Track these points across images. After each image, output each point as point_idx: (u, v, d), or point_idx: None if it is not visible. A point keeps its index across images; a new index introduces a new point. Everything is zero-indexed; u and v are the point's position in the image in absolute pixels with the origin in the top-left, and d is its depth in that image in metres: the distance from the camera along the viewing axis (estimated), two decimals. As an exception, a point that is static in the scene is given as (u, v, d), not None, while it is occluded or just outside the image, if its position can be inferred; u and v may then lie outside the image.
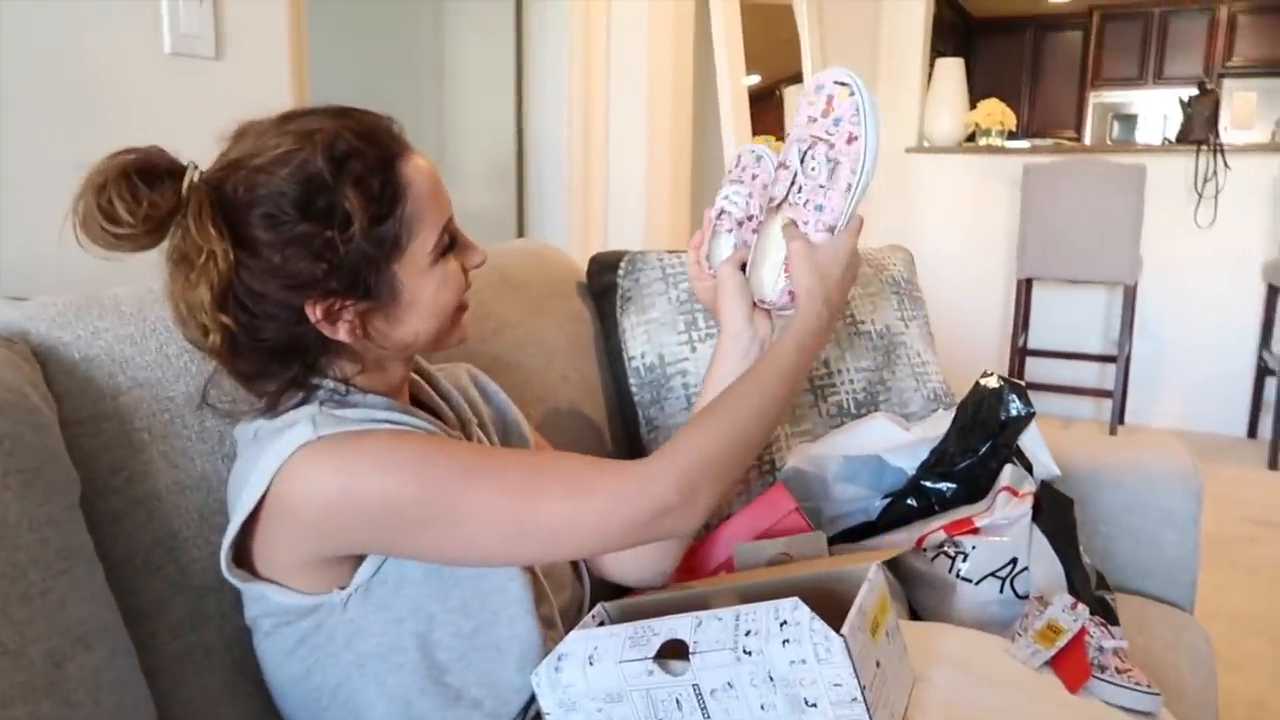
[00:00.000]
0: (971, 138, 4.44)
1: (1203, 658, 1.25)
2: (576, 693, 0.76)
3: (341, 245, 0.74)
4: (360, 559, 0.81)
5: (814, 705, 0.69)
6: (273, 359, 0.79)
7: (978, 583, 1.11)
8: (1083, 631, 0.91)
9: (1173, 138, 4.24)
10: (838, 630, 0.68)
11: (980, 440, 1.22)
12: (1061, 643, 0.90)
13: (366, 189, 0.75)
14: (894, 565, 1.19)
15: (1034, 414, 1.23)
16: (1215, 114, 4.05)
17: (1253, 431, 4.03)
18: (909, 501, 1.22)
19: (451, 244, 0.83)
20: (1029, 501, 1.13)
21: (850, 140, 0.98)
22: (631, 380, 1.38)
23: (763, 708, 0.70)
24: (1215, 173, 3.89)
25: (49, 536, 0.71)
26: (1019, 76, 7.78)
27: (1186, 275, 4.06)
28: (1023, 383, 1.25)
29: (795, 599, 0.70)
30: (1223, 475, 3.51)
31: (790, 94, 4.02)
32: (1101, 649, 0.90)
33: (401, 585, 0.82)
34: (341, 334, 0.78)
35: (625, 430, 1.42)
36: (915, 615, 1.19)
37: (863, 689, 0.68)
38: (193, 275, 0.73)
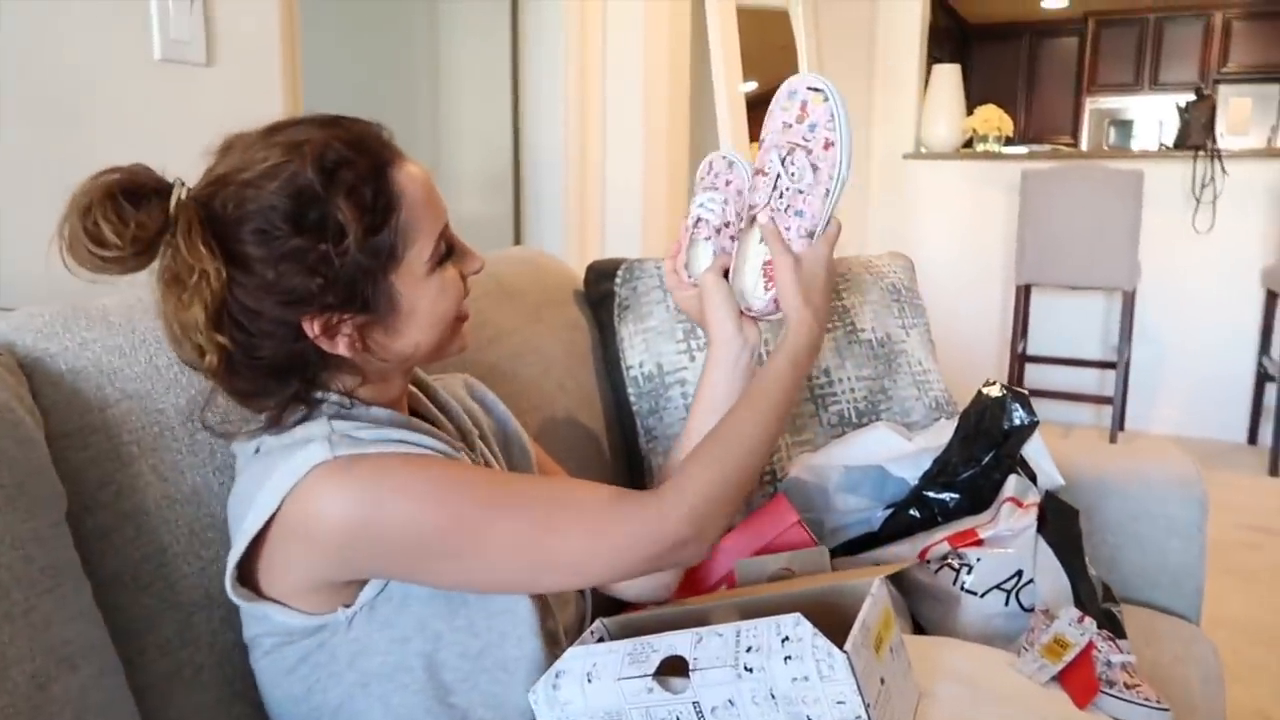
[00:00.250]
0: (969, 144, 4.44)
1: (1211, 670, 1.24)
2: (574, 710, 0.75)
3: (336, 258, 0.73)
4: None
5: (818, 725, 0.67)
6: (271, 376, 0.77)
7: (983, 595, 1.09)
8: (1090, 646, 0.89)
9: (1169, 143, 4.23)
10: (841, 646, 0.67)
11: (983, 450, 1.20)
12: (1069, 657, 0.88)
13: (359, 199, 0.74)
14: (897, 578, 1.17)
15: (1037, 423, 1.21)
16: (1212, 119, 4.05)
17: (1253, 438, 4.02)
18: (911, 512, 1.20)
19: (449, 251, 0.82)
20: (1033, 512, 1.12)
21: (827, 146, 0.98)
22: (630, 389, 1.36)
23: (766, 727, 0.68)
24: (1213, 178, 3.89)
25: (33, 554, 0.69)
26: (1015, 83, 7.80)
27: (1185, 281, 4.06)
28: (1026, 391, 1.23)
29: (797, 615, 0.68)
30: (1223, 482, 3.50)
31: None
32: (1110, 664, 0.88)
33: (407, 603, 0.80)
34: (341, 348, 0.77)
35: (624, 440, 1.40)
36: (919, 628, 1.17)
37: (867, 707, 0.66)
38: (185, 295, 0.71)
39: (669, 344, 1.35)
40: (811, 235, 0.99)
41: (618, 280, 1.42)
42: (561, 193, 2.29)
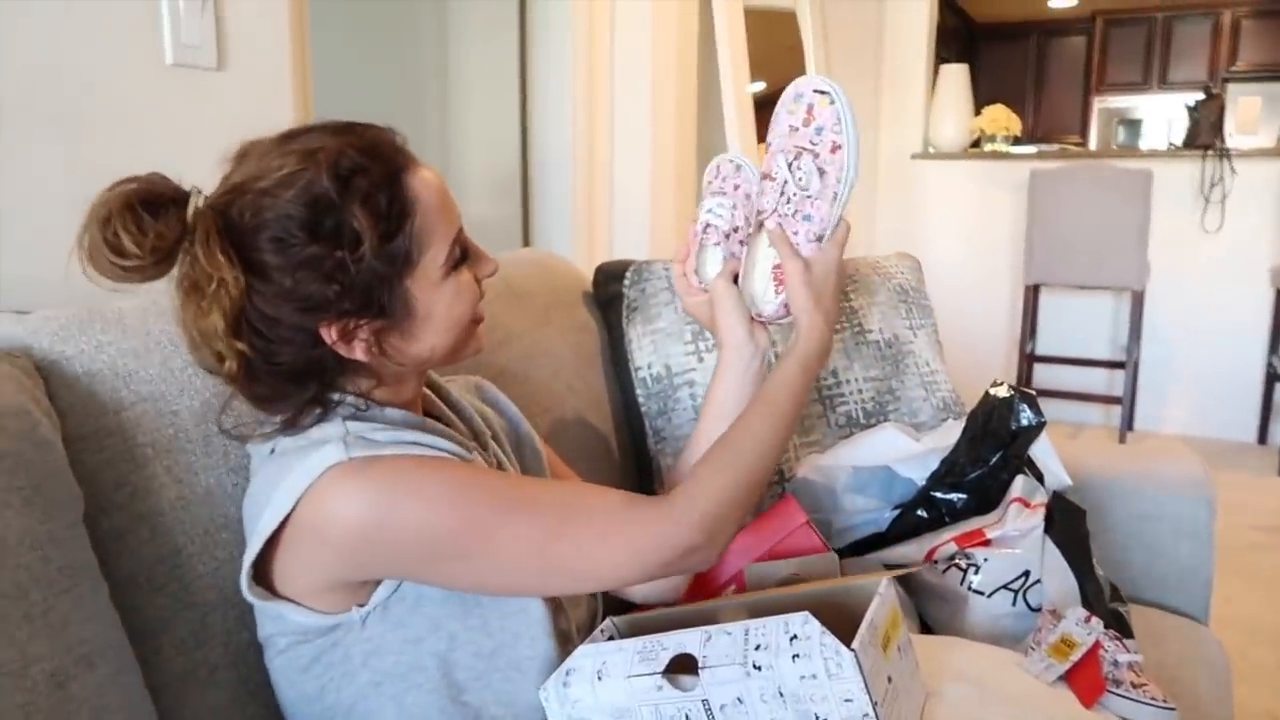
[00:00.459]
0: (977, 144, 4.43)
1: (1218, 670, 1.24)
2: (585, 708, 0.75)
3: (352, 265, 0.73)
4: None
5: (826, 722, 0.68)
6: (290, 381, 0.77)
7: (990, 595, 1.10)
8: (1097, 645, 0.90)
9: (1178, 142, 4.22)
10: (848, 645, 0.67)
11: (991, 450, 1.21)
12: (1075, 657, 0.88)
13: (374, 206, 0.74)
14: (905, 578, 1.18)
15: (1045, 423, 1.22)
16: (1221, 119, 4.04)
17: (1263, 438, 4.01)
18: (919, 513, 1.21)
19: (463, 255, 0.82)
20: (1041, 513, 1.12)
21: (834, 149, 0.98)
22: (638, 391, 1.37)
23: (774, 725, 0.69)
24: (1222, 178, 3.88)
25: (51, 555, 0.70)
26: (1023, 82, 7.78)
27: (1195, 280, 4.05)
28: (1033, 391, 1.24)
29: (805, 613, 0.69)
30: (1232, 482, 3.49)
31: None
32: (1116, 663, 0.88)
33: (420, 604, 0.81)
34: (358, 353, 0.77)
35: (632, 441, 1.40)
36: (926, 628, 1.18)
37: (874, 705, 0.67)
38: (204, 303, 0.72)
39: (677, 345, 1.36)
40: (820, 239, 0.99)
41: (626, 282, 1.42)
42: (569, 194, 2.29)
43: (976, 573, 1.10)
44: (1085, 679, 0.87)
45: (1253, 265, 3.94)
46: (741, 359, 1.04)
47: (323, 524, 0.73)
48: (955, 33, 7.01)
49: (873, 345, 1.43)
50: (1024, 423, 1.22)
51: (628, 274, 1.43)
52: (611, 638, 0.84)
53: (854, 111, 0.98)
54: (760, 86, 3.38)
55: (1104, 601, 1.13)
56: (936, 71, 4.45)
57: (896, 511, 1.23)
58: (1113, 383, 4.11)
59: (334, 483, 0.73)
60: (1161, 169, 3.74)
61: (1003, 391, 1.25)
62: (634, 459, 1.40)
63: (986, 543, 1.11)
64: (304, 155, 0.74)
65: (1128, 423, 3.89)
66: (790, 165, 1.00)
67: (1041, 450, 1.23)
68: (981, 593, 1.10)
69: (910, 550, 1.17)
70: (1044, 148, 4.85)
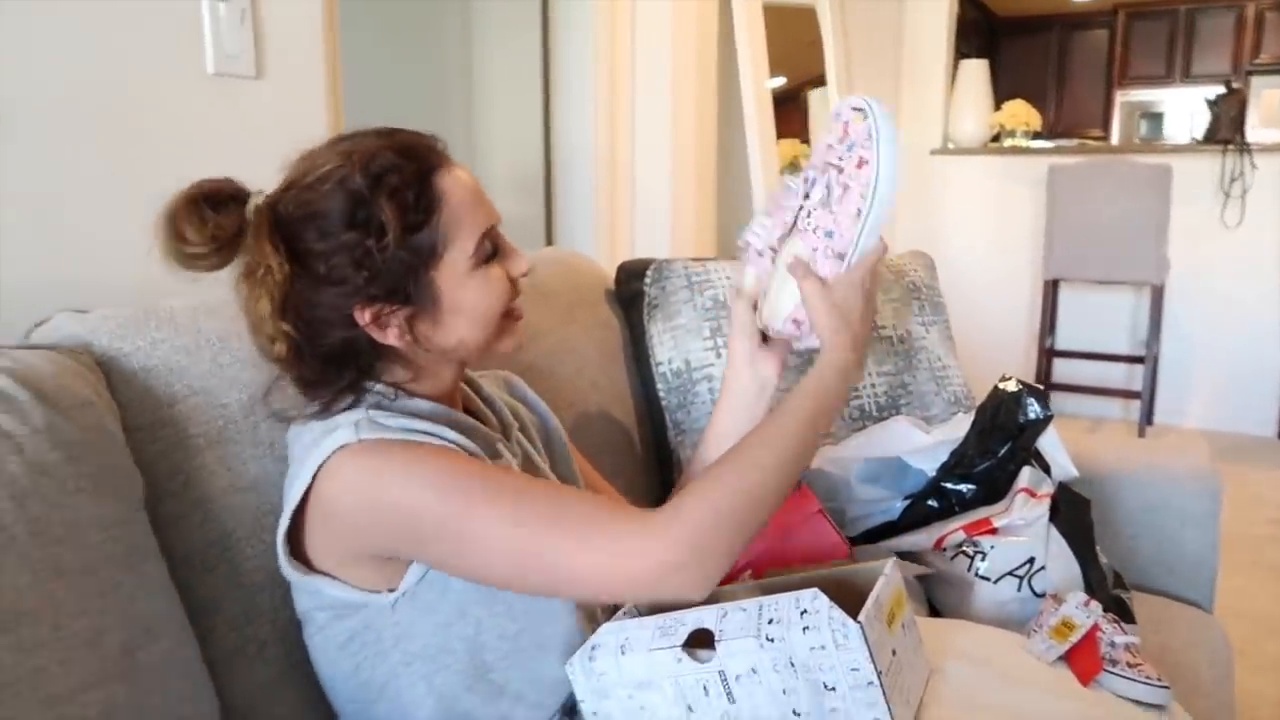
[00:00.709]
0: (997, 139, 4.45)
1: (1220, 654, 1.28)
2: (609, 681, 0.81)
3: (379, 253, 0.80)
4: (409, 561, 0.85)
5: (833, 689, 0.73)
6: (330, 364, 0.84)
7: (996, 581, 1.14)
8: (1095, 627, 0.94)
9: (1200, 137, 4.22)
10: (855, 619, 0.72)
11: (999, 443, 1.25)
12: (1075, 638, 0.93)
13: (401, 200, 0.80)
14: (915, 565, 1.22)
15: (1052, 417, 1.26)
16: (1241, 113, 4.03)
17: (1282, 432, 4.02)
18: (930, 502, 1.25)
19: (494, 252, 0.87)
20: (1046, 502, 1.17)
21: (860, 165, 0.95)
22: (659, 385, 1.42)
23: (785, 692, 0.74)
24: (1242, 172, 3.88)
25: (118, 535, 0.76)
26: (1045, 76, 7.75)
27: (1214, 275, 4.05)
28: (1041, 386, 1.28)
29: (815, 589, 0.74)
30: (1251, 477, 3.50)
31: (814, 98, 4.04)
32: (1113, 644, 0.93)
33: (448, 590, 0.85)
34: (391, 338, 0.83)
35: (654, 433, 1.46)
36: (935, 614, 1.22)
37: (879, 674, 0.72)
38: (256, 289, 0.79)
39: (696, 341, 1.41)
40: (842, 257, 0.95)
41: (647, 280, 1.48)
42: (591, 193, 2.34)
43: (983, 559, 1.15)
44: (1083, 658, 0.91)
45: (1273, 260, 3.95)
46: (738, 382, 1.06)
47: (327, 500, 0.80)
48: (976, 26, 6.99)
49: (885, 341, 1.47)
50: (1032, 416, 1.26)
51: (648, 272, 1.48)
52: (633, 616, 0.89)
53: (892, 128, 0.94)
54: (780, 82, 3.42)
55: (1107, 588, 1.18)
56: (956, 67, 4.46)
57: (908, 501, 1.27)
58: (1132, 377, 4.13)
59: (339, 462, 0.79)
60: (1181, 164, 3.75)
61: (1011, 386, 1.29)
62: (655, 451, 1.46)
63: (993, 531, 1.15)
64: (344, 154, 0.81)
65: (1147, 417, 3.91)
66: (814, 180, 0.99)
67: (1049, 443, 1.27)
68: (988, 579, 1.14)
69: (920, 539, 1.21)
70: (1063, 143, 4.86)
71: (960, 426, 1.30)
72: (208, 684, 0.81)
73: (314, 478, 0.80)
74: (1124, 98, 7.56)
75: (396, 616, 0.85)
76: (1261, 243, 3.94)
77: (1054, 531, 1.16)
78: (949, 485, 1.25)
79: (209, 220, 0.78)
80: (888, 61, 4.38)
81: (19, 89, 1.03)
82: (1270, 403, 4.03)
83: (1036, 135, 4.45)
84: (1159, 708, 0.89)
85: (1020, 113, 4.34)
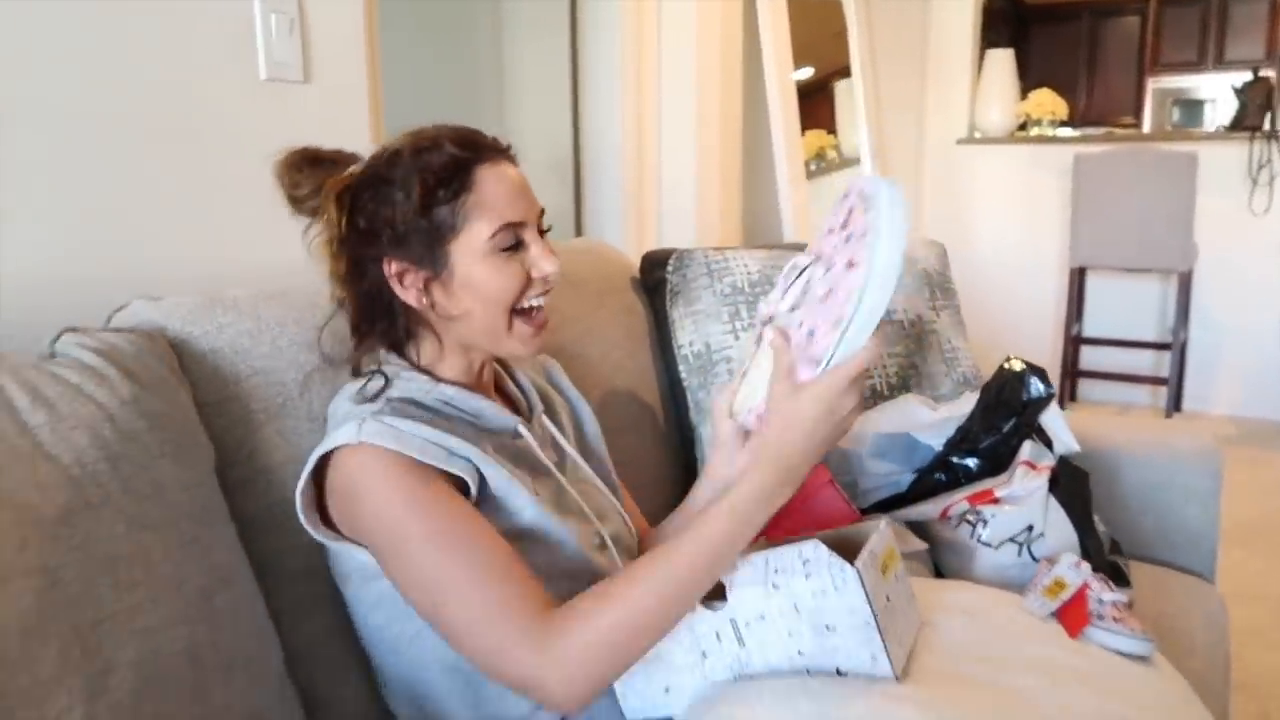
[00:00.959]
0: (1024, 128, 4.47)
1: (1215, 619, 1.34)
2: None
3: (401, 217, 0.91)
4: None
5: (833, 629, 0.81)
6: (367, 307, 0.96)
7: (997, 547, 1.21)
8: (1085, 586, 1.01)
9: (1226, 124, 4.22)
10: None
11: (1003, 419, 1.32)
12: (1066, 595, 1.00)
13: (432, 176, 0.91)
14: (921, 532, 1.30)
15: (1054, 394, 1.33)
16: (1269, 100, 4.03)
17: (1311, 417, 4.02)
18: (937, 476, 1.33)
19: (517, 245, 0.95)
20: (1046, 474, 1.23)
21: (850, 266, 0.82)
22: (680, 367, 1.51)
23: (789, 634, 0.83)
24: (1270, 159, 3.89)
25: (195, 496, 0.86)
26: (1076, 64, 7.70)
27: (1242, 262, 4.05)
28: (1042, 366, 1.35)
29: (815, 540, 0.82)
30: (1278, 462, 3.52)
31: (840, 89, 4.09)
32: (1101, 601, 1.00)
33: None
34: (410, 297, 0.94)
35: (676, 411, 1.55)
36: (941, 578, 1.29)
37: (875, 615, 0.80)
38: (324, 232, 0.95)
39: (716, 325, 1.49)
40: (818, 363, 0.83)
41: (669, 268, 1.56)
42: (619, 184, 2.41)
43: (985, 527, 1.22)
44: (1072, 613, 0.98)
45: (1300, 246, 3.95)
46: (713, 485, 1.06)
47: (330, 485, 0.90)
48: (1003, 15, 6.98)
49: (897, 325, 1.54)
50: (1034, 394, 1.33)
51: (670, 261, 1.56)
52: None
53: (897, 224, 0.80)
54: (808, 73, 3.47)
55: (1103, 554, 1.24)
56: (983, 56, 4.49)
57: (916, 474, 1.35)
58: (1160, 364, 4.14)
59: (338, 459, 0.89)
60: (1209, 151, 3.76)
61: (1016, 365, 1.36)
62: (677, 426, 1.54)
63: (995, 500, 1.22)
64: (409, 136, 0.95)
65: (1175, 404, 3.92)
66: (804, 270, 0.90)
67: (1052, 419, 1.34)
68: (989, 545, 1.22)
69: (928, 509, 1.29)
70: (1089, 131, 4.86)
71: (967, 404, 1.37)
72: (272, 630, 0.91)
73: (315, 463, 0.90)
74: (1156, 85, 7.50)
75: None
76: (1289, 229, 3.94)
77: (1053, 501, 1.23)
78: (955, 459, 1.32)
79: (305, 172, 0.95)
80: (913, 51, 4.41)
81: (94, 98, 1.12)
82: (1298, 388, 4.04)
83: (1064, 124, 4.46)
84: (1142, 659, 0.96)
85: (1046, 101, 4.36)
